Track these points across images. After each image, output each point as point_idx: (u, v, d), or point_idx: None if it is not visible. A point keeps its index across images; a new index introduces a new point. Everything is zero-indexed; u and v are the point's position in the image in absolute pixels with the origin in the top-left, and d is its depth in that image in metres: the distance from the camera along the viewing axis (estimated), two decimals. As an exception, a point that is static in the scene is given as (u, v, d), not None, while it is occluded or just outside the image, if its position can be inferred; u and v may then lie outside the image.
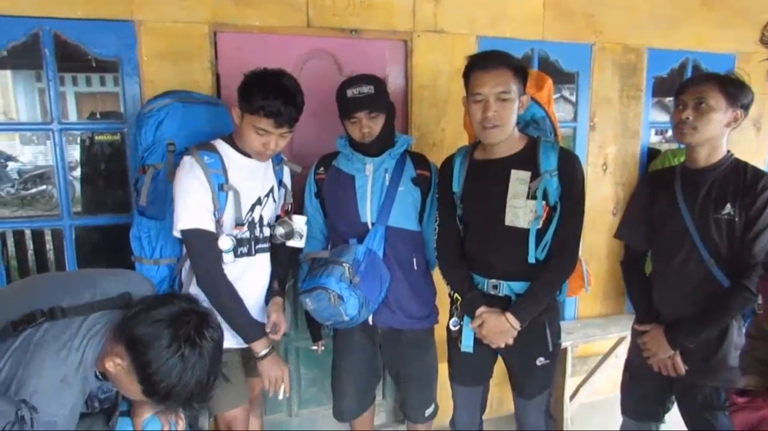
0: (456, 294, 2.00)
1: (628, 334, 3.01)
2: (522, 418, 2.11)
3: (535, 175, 1.83)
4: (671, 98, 1.95)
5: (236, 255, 1.89)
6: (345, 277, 1.96)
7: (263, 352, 1.88)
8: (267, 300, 2.06)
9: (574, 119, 3.02)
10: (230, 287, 1.85)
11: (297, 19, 2.45)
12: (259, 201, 1.95)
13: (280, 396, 1.94)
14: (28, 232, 4.09)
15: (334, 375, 2.34)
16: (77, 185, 4.60)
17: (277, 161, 2.07)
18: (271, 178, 2.03)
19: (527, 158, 1.86)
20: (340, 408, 2.35)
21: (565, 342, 2.87)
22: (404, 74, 2.70)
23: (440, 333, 2.24)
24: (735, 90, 1.77)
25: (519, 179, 1.85)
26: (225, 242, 1.84)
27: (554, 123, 2.11)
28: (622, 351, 3.04)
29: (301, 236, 2.04)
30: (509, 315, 1.85)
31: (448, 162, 2.03)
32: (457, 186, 1.98)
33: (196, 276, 1.83)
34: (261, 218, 1.97)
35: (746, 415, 1.34)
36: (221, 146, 1.88)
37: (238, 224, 1.88)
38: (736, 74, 1.85)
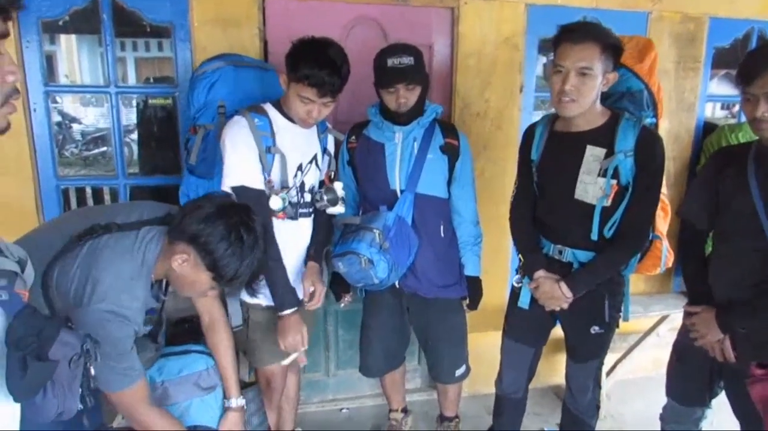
0: (520, 255, 2.10)
1: (671, 313, 2.97)
2: (570, 380, 2.18)
3: (610, 153, 1.81)
4: (734, 71, 1.80)
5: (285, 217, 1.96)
6: (375, 242, 2.04)
7: (286, 312, 1.92)
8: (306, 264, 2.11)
9: (626, 90, 2.92)
10: (277, 248, 1.91)
11: (344, -14, 2.46)
12: (301, 167, 2.00)
13: (286, 362, 1.97)
14: (88, 189, 4.34)
15: (363, 332, 2.44)
16: (134, 147, 4.81)
17: (322, 128, 2.11)
18: (316, 145, 2.07)
19: (605, 135, 1.84)
20: (367, 364, 2.45)
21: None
22: (450, 43, 2.67)
23: (493, 303, 2.27)
24: None
25: (593, 155, 1.85)
26: (276, 202, 1.89)
27: (656, 96, 2.01)
28: (664, 330, 3.00)
29: (343, 201, 2.09)
30: (563, 285, 1.92)
31: (530, 130, 2.07)
32: (535, 155, 2.01)
33: None
34: (303, 184, 2.02)
35: (764, 387, 1.32)
36: (270, 109, 1.93)
37: (284, 186, 1.94)
38: None
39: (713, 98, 3.36)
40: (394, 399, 2.63)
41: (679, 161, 3.06)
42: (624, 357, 3.08)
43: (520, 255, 2.12)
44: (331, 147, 2.17)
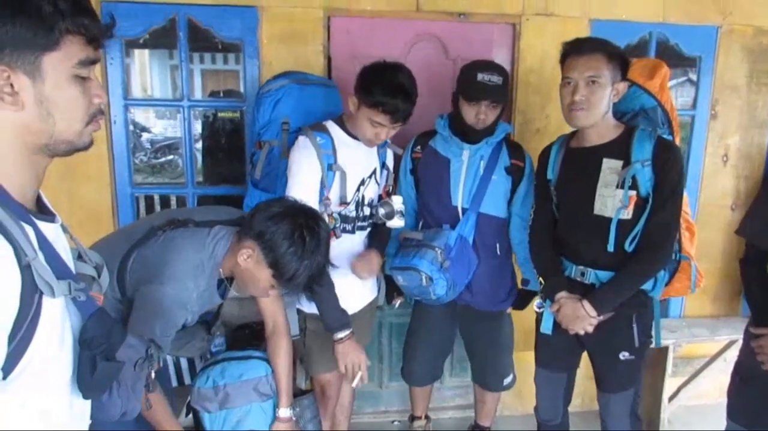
0: (541, 278, 2.06)
1: (739, 338, 2.82)
2: (603, 413, 2.08)
3: (627, 164, 1.79)
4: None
5: (341, 232, 2.01)
6: (436, 260, 2.05)
7: (340, 335, 1.93)
8: None
9: (693, 106, 2.84)
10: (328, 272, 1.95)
11: (407, 3, 2.50)
12: (362, 182, 2.05)
13: (354, 383, 1.96)
14: (156, 197, 4.54)
15: (408, 337, 2.44)
16: (199, 157, 5.00)
17: (382, 144, 2.15)
18: (375, 160, 2.12)
19: (620, 147, 1.82)
20: (411, 369, 2.44)
21: (667, 341, 2.74)
22: (510, 58, 2.67)
23: (526, 322, 2.24)
24: None
25: (610, 167, 1.83)
26: (331, 219, 1.95)
27: (669, 113, 2.00)
28: (732, 356, 2.86)
29: (402, 215, 2.10)
30: (585, 303, 1.85)
31: (546, 151, 2.06)
32: (551, 174, 2.00)
33: None
34: (363, 198, 2.07)
35: None
36: (332, 127, 1.99)
37: (343, 202, 1.99)
38: None
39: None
40: (420, 406, 2.62)
41: (750, 181, 2.93)
42: (688, 382, 2.96)
43: (540, 279, 2.08)
44: (389, 162, 2.21)
